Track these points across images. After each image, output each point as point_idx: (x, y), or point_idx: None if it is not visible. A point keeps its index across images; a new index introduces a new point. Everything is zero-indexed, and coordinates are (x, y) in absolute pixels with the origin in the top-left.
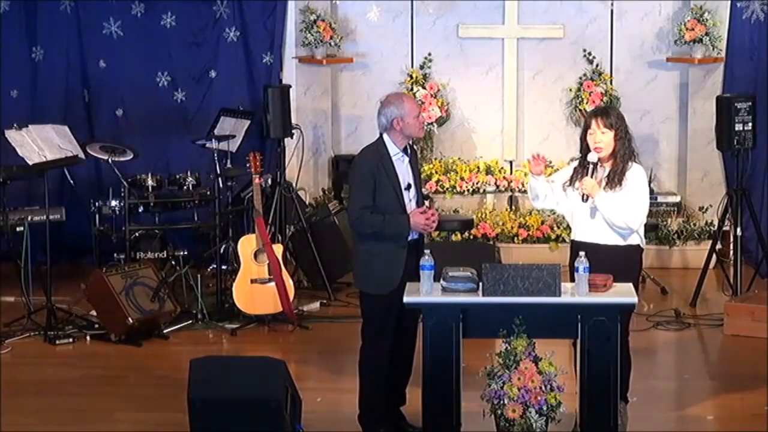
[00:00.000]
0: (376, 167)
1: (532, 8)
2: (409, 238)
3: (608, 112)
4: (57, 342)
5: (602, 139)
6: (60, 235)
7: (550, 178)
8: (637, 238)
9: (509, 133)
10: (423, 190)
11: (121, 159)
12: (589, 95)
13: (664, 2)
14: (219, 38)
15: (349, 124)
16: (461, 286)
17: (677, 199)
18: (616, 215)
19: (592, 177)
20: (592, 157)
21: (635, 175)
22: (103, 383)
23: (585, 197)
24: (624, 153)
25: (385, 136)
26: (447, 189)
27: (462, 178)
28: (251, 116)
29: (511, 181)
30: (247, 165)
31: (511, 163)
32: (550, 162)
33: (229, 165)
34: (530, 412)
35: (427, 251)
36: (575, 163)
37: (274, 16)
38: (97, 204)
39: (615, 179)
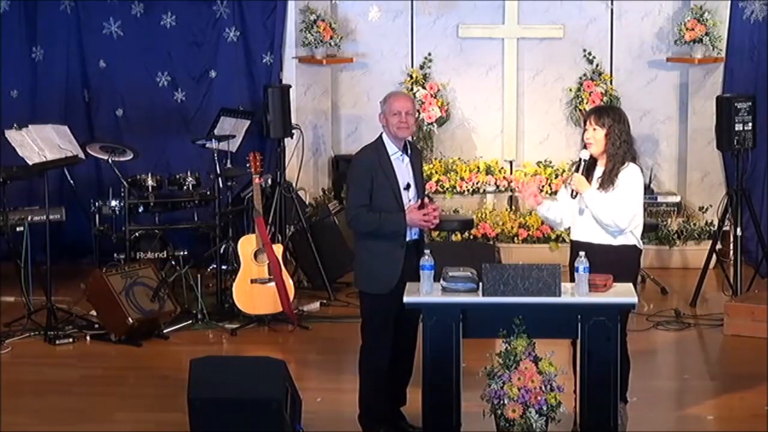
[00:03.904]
0: (374, 166)
1: (532, 8)
2: (409, 238)
3: (603, 110)
4: (57, 342)
5: (593, 135)
6: (60, 235)
7: (556, 196)
8: (632, 239)
9: (509, 133)
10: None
11: (121, 159)
12: (589, 95)
13: (664, 2)
14: (219, 38)
15: (349, 124)
16: (461, 286)
17: (677, 199)
18: (603, 212)
19: (582, 174)
20: (583, 153)
21: (628, 174)
22: (103, 383)
23: (573, 193)
24: (615, 153)
25: (384, 135)
26: (447, 189)
27: (462, 178)
28: (251, 116)
29: (511, 181)
30: (247, 165)
31: (511, 163)
32: (550, 162)
33: (229, 165)
34: (530, 412)
35: (427, 251)
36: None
37: (274, 16)
38: (97, 204)
39: (607, 179)
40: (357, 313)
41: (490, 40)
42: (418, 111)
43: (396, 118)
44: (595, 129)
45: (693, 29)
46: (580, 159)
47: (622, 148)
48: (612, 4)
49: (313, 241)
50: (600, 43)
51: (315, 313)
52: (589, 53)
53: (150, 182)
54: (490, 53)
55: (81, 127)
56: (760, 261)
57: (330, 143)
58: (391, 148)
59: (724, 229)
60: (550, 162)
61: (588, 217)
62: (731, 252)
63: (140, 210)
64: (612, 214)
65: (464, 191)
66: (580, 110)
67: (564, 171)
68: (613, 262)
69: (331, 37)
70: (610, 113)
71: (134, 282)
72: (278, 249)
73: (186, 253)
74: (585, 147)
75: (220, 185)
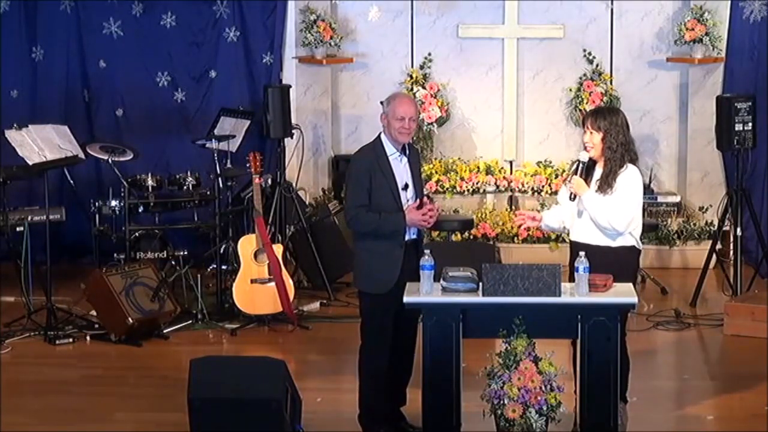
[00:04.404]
0: (372, 166)
1: (532, 8)
2: (408, 238)
3: (599, 113)
4: (57, 342)
5: (590, 139)
6: (60, 235)
7: (557, 199)
8: (630, 240)
9: (509, 133)
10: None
11: (121, 159)
12: (589, 95)
13: (664, 2)
14: (219, 38)
15: (349, 124)
16: (461, 286)
17: (677, 199)
18: (600, 215)
19: (581, 176)
20: (582, 155)
21: (627, 177)
22: (103, 383)
23: (572, 196)
24: (612, 156)
25: (382, 136)
26: (447, 189)
27: (462, 178)
28: (251, 116)
29: (511, 181)
30: (247, 165)
31: (511, 163)
32: (550, 162)
33: (229, 165)
34: (530, 412)
35: (427, 251)
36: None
37: (274, 16)
38: (97, 204)
39: (605, 182)
40: (357, 313)
41: (490, 40)
42: (418, 111)
43: (399, 123)
44: (591, 133)
45: (693, 29)
46: (579, 161)
47: (619, 151)
48: (612, 4)
49: (313, 241)
50: (600, 43)
51: (315, 313)
52: (589, 53)
53: (150, 182)
54: (490, 53)
55: (81, 127)
56: (760, 261)
57: (330, 143)
58: (390, 149)
59: (724, 229)
60: (550, 162)
61: (587, 219)
62: (731, 252)
63: (140, 210)
64: (609, 217)
65: (464, 191)
66: (580, 110)
67: (563, 171)
68: (612, 262)
69: (331, 37)
70: (606, 116)
71: (134, 282)
72: (278, 249)
73: (186, 253)
74: (585, 149)
75: (220, 185)
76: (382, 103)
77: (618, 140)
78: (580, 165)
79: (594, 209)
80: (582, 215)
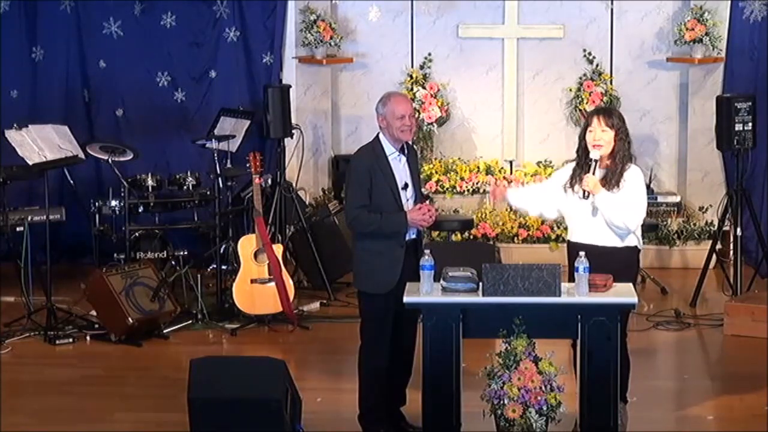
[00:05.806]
0: (372, 166)
1: (532, 8)
2: (407, 238)
3: (610, 111)
4: (57, 342)
5: (602, 137)
6: (60, 235)
7: (544, 183)
8: (634, 239)
9: (509, 133)
10: (423, 190)
11: (121, 159)
12: (589, 95)
13: (664, 2)
14: (219, 38)
15: (349, 124)
16: (461, 286)
17: (677, 199)
18: (615, 215)
19: (593, 175)
20: (594, 154)
21: (633, 176)
22: (103, 383)
23: (586, 194)
24: (623, 154)
25: (381, 136)
26: (447, 189)
27: (462, 178)
28: (251, 116)
29: (511, 181)
30: (247, 165)
31: (511, 163)
32: (550, 162)
33: (229, 165)
34: (530, 412)
35: (427, 251)
36: (571, 164)
37: (274, 16)
38: (97, 204)
39: (613, 180)
40: (357, 313)
41: (490, 40)
42: (418, 111)
43: (400, 122)
44: (604, 130)
45: (693, 29)
46: (591, 160)
47: (628, 149)
48: (612, 4)
49: (313, 241)
50: (600, 43)
51: (315, 313)
52: (589, 53)
53: (150, 182)
54: (490, 53)
55: (81, 127)
56: (760, 261)
57: (330, 143)
58: (389, 149)
59: (724, 229)
60: (550, 162)
61: (599, 219)
62: (731, 252)
63: (140, 210)
64: (623, 216)
65: (464, 191)
66: (580, 110)
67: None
68: (615, 262)
69: (331, 37)
70: (614, 113)
71: (134, 282)
72: (278, 249)
73: (186, 253)
74: (586, 149)
75: (220, 185)
76: (379, 105)
77: (626, 138)
78: (592, 163)
79: (608, 209)
80: (596, 215)
